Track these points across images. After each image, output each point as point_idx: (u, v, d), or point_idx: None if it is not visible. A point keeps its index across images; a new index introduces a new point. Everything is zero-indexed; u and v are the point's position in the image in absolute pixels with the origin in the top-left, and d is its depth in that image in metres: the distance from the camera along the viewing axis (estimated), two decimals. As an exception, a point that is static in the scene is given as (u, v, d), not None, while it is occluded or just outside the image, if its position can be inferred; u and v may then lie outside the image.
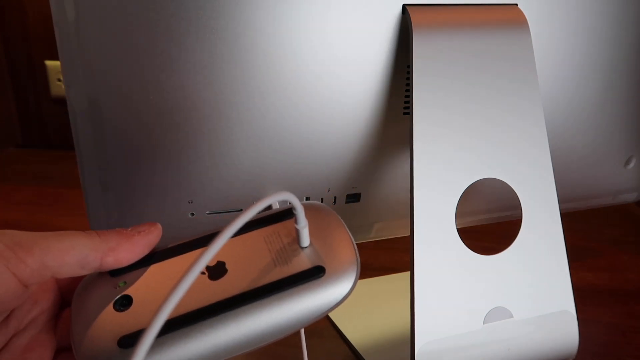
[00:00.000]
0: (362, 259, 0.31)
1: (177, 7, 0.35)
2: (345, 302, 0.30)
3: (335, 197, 0.45)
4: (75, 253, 0.29)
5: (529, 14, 0.43)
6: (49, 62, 1.07)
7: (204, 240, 0.32)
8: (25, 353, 0.30)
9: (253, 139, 0.40)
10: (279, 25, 0.37)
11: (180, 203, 0.40)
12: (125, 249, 0.30)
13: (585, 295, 0.61)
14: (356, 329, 0.53)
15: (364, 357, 0.49)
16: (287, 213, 0.33)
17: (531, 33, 0.43)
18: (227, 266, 0.31)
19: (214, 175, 0.40)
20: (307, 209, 0.32)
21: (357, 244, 0.32)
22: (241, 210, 0.42)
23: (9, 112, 1.11)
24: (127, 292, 0.30)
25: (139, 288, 0.30)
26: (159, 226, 0.32)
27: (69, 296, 0.33)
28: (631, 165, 0.55)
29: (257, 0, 0.36)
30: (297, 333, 0.35)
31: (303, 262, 0.30)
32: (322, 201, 0.44)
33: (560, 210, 0.44)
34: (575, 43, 0.47)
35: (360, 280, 0.30)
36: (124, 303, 0.30)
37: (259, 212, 0.30)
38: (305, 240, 0.31)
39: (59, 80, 1.07)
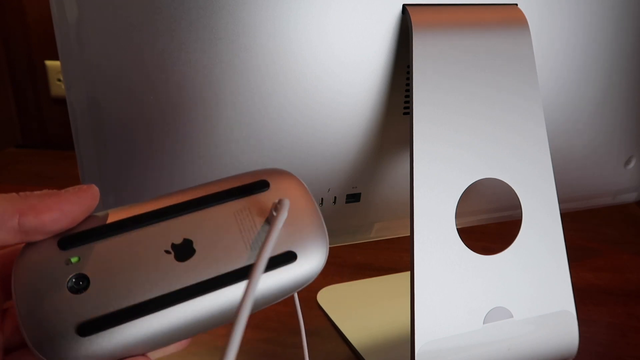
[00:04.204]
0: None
1: (177, 7, 0.35)
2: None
3: (335, 197, 0.45)
4: None
5: (529, 14, 0.43)
6: (49, 62, 1.07)
7: (167, 212, 0.30)
8: None
9: (253, 139, 0.40)
10: (279, 25, 0.37)
11: (180, 203, 0.40)
12: (49, 207, 0.25)
13: (585, 295, 0.61)
14: (356, 329, 0.53)
15: (364, 357, 0.49)
16: (259, 185, 0.31)
17: (531, 33, 0.43)
18: (194, 245, 0.29)
19: (214, 175, 0.40)
20: (276, 178, 0.31)
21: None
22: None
23: (9, 112, 1.11)
24: (82, 270, 0.26)
25: (96, 266, 0.27)
26: (95, 187, 0.27)
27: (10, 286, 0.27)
28: (631, 165, 0.55)
29: (257, 0, 0.36)
30: (298, 333, 0.35)
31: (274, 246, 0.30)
32: (322, 201, 0.44)
33: (560, 210, 0.44)
34: (575, 43, 0.47)
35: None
36: (80, 283, 0.26)
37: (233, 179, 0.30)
38: None
39: (59, 80, 1.07)
